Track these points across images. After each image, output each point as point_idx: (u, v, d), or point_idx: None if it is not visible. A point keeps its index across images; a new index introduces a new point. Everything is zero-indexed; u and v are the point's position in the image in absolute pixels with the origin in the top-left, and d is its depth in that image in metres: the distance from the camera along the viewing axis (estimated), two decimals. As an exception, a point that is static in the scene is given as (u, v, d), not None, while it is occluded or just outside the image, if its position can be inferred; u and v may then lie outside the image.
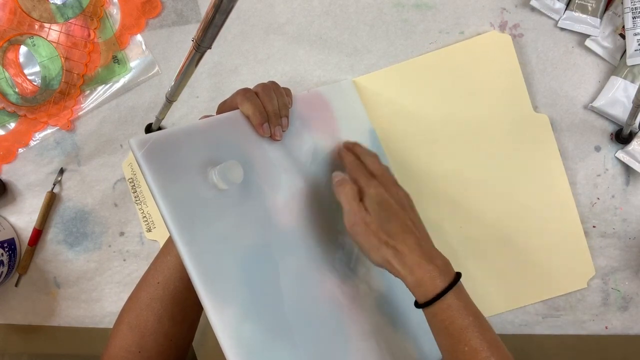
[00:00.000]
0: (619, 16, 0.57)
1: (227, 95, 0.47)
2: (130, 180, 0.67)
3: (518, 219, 0.60)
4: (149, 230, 0.67)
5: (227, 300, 0.35)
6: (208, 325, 0.34)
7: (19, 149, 0.68)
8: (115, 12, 0.66)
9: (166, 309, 0.46)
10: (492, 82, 0.60)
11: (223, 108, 0.46)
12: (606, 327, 0.61)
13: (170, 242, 0.48)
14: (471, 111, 0.61)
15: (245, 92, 0.45)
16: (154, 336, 0.46)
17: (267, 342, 0.37)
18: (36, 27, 0.65)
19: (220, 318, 0.34)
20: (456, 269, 0.44)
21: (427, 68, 0.61)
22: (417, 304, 0.42)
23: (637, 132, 0.58)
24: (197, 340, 0.64)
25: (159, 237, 0.66)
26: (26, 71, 0.66)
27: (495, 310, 0.61)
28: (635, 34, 0.55)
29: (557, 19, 0.59)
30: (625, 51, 0.57)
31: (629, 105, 0.55)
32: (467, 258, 0.61)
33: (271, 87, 0.46)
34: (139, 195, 0.66)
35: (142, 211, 0.67)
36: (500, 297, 0.61)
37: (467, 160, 0.61)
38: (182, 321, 0.47)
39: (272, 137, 0.45)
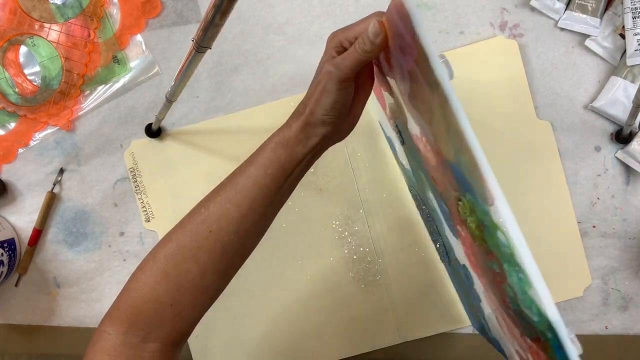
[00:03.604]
0: (619, 16, 0.57)
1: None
2: (131, 169, 0.67)
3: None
4: (148, 220, 0.67)
5: None
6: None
7: (19, 149, 0.68)
8: (115, 12, 0.66)
9: (214, 262, 0.40)
10: (496, 88, 0.60)
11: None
12: (606, 327, 0.61)
13: (227, 192, 0.41)
14: (474, 115, 0.61)
15: None
16: (192, 290, 0.40)
17: None
18: (36, 27, 0.65)
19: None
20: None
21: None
22: None
23: (637, 132, 0.58)
24: (197, 347, 0.65)
25: (158, 227, 0.67)
26: (26, 71, 0.66)
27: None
28: (635, 34, 0.55)
29: (557, 19, 0.59)
30: (625, 51, 0.57)
31: (629, 105, 0.55)
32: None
33: None
34: (139, 185, 0.67)
35: (141, 201, 0.67)
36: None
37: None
38: (224, 276, 0.42)
39: None
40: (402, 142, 0.50)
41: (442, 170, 0.39)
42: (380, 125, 0.62)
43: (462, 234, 0.43)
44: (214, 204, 0.41)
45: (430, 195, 0.48)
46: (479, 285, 0.45)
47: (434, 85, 0.31)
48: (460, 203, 0.38)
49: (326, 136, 0.40)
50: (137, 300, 0.39)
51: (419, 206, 0.61)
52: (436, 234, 0.57)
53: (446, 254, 0.55)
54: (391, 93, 0.45)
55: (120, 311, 0.39)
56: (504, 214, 0.29)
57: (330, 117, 0.39)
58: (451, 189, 0.39)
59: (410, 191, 0.62)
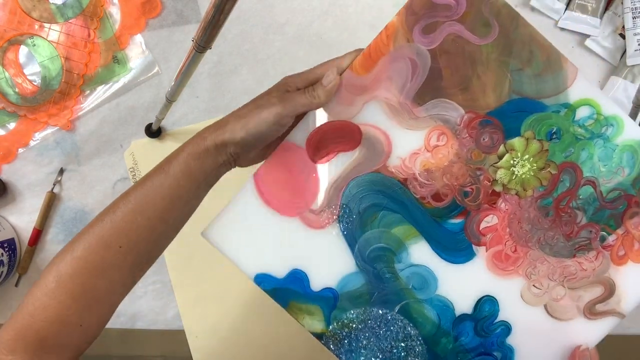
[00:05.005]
0: (619, 16, 0.57)
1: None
2: (131, 169, 0.67)
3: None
4: None
5: None
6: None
7: (19, 149, 0.68)
8: (115, 12, 0.66)
9: (122, 277, 0.39)
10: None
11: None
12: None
13: (135, 204, 0.39)
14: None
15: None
16: (100, 307, 0.39)
17: None
18: (36, 27, 0.65)
19: None
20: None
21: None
22: None
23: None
24: (197, 347, 0.64)
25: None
26: (26, 71, 0.66)
27: None
28: (635, 34, 0.55)
29: (557, 19, 0.59)
30: (625, 51, 0.57)
31: (629, 105, 0.55)
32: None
33: None
34: None
35: None
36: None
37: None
38: (132, 285, 0.41)
39: None
40: (349, 220, 0.44)
41: (468, 150, 0.42)
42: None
43: (486, 235, 0.42)
44: (123, 216, 0.39)
45: (413, 248, 0.44)
46: (513, 292, 0.43)
47: (489, 23, 0.40)
48: (502, 161, 0.41)
49: (235, 156, 0.41)
50: (43, 324, 0.37)
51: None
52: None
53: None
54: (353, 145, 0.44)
55: (25, 340, 0.37)
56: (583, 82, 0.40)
57: (249, 144, 0.40)
58: (485, 156, 0.42)
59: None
